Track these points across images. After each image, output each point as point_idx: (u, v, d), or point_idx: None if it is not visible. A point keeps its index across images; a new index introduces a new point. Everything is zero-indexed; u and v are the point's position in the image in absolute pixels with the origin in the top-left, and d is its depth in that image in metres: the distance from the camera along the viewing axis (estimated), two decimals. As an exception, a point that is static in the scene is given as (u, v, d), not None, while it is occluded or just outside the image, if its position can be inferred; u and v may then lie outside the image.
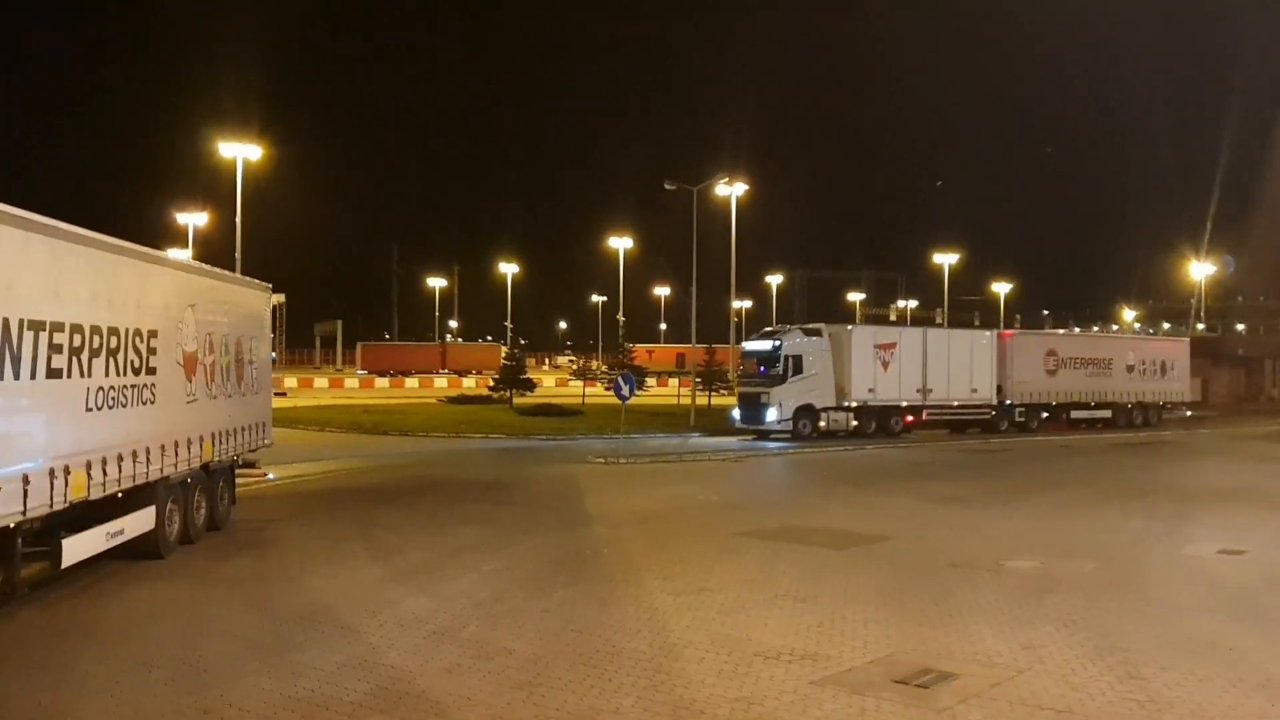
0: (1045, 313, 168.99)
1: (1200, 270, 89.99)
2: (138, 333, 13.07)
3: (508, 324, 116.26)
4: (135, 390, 13.02)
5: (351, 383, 79.05)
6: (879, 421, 36.46)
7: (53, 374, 11.05)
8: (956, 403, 38.54)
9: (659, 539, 16.61)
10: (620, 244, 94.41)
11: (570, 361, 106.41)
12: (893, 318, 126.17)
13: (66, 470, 11.25)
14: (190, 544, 15.06)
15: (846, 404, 35.74)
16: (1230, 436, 41.67)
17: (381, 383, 79.70)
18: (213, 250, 65.65)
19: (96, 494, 12.04)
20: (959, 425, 39.21)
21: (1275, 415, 55.35)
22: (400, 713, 8.26)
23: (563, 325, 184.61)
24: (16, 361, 10.38)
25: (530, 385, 50.69)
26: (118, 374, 12.59)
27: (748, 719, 8.16)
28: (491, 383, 52.02)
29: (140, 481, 13.10)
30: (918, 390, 37.35)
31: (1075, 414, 42.35)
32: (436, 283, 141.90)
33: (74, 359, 11.54)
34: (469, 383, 76.21)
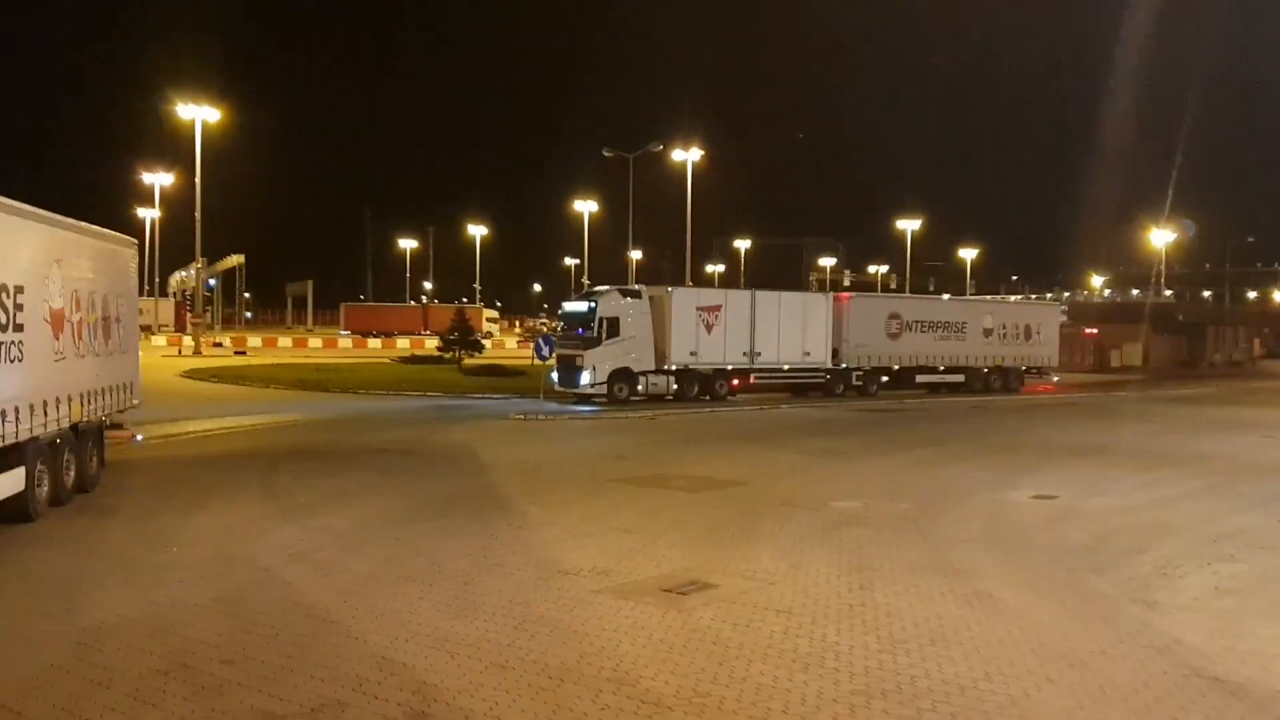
0: (1014, 278, 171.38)
1: (1161, 237, 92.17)
2: (3, 288, 12.70)
3: (476, 286, 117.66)
4: (3, 348, 12.68)
5: (315, 342, 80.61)
6: (703, 386, 35.88)
7: None
8: (788, 366, 38.17)
9: (536, 485, 18.30)
10: (585, 207, 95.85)
11: (542, 324, 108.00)
12: (846, 283, 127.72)
13: None
14: (60, 505, 14.90)
15: (667, 368, 35.22)
16: (1142, 399, 43.63)
17: (345, 343, 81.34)
18: (179, 212, 66.74)
19: None
20: (798, 389, 39.04)
21: (1206, 380, 57.60)
22: (239, 614, 9.95)
23: (537, 288, 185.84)
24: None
25: (479, 346, 52.29)
26: (38, 327, 12.97)
27: (520, 616, 9.90)
28: (440, 343, 53.45)
29: (10, 442, 12.84)
30: (744, 354, 36.93)
31: (922, 378, 42.12)
32: (408, 244, 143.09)
33: (37, 314, 11.76)
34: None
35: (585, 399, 34.50)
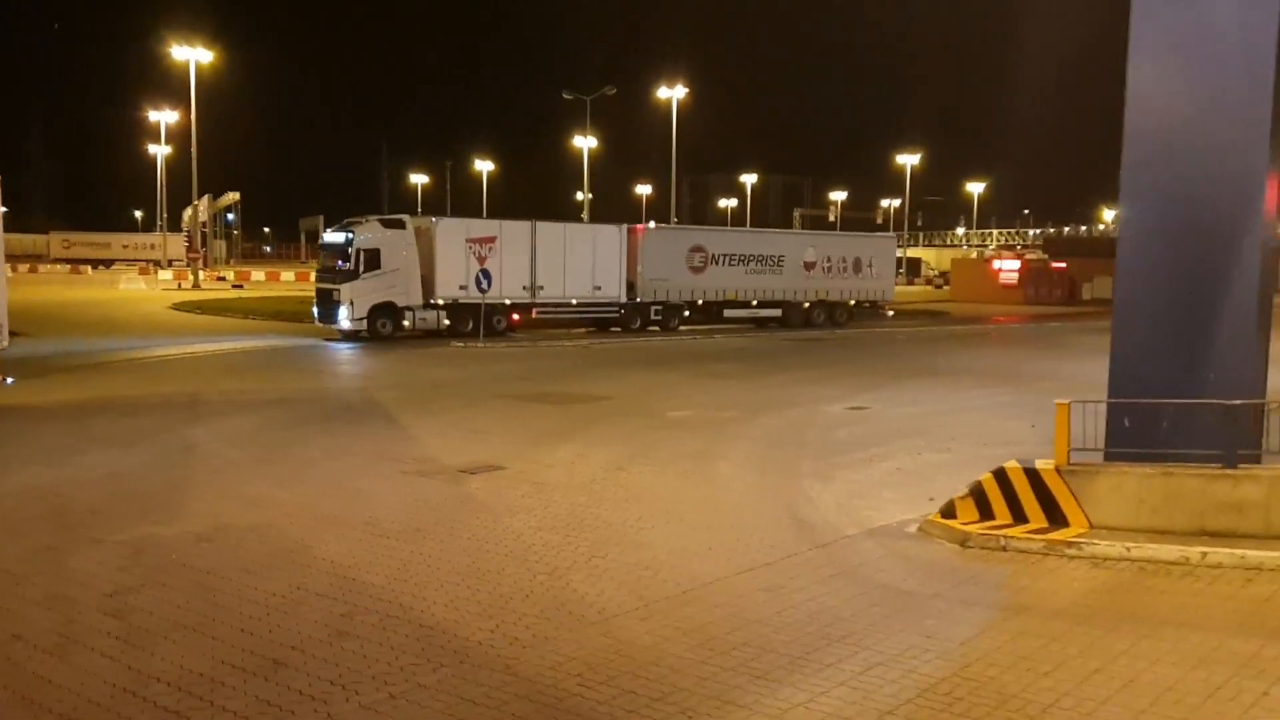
0: (1026, 211, 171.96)
1: None
2: None
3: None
4: None
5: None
6: (478, 320, 33.87)
7: None
8: (575, 300, 37.20)
9: (429, 400, 21.30)
10: (585, 143, 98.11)
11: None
12: (848, 219, 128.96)
13: None
14: None
15: (434, 302, 33.97)
16: (1077, 330, 45.76)
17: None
18: (187, 149, 69.58)
19: None
20: (598, 323, 38.45)
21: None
22: (121, 487, 13.09)
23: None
24: None
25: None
26: None
27: (331, 487, 12.98)
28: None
29: None
30: (524, 288, 35.90)
31: (732, 312, 41.09)
32: (420, 179, 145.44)
33: None
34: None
35: (351, 336, 33.25)
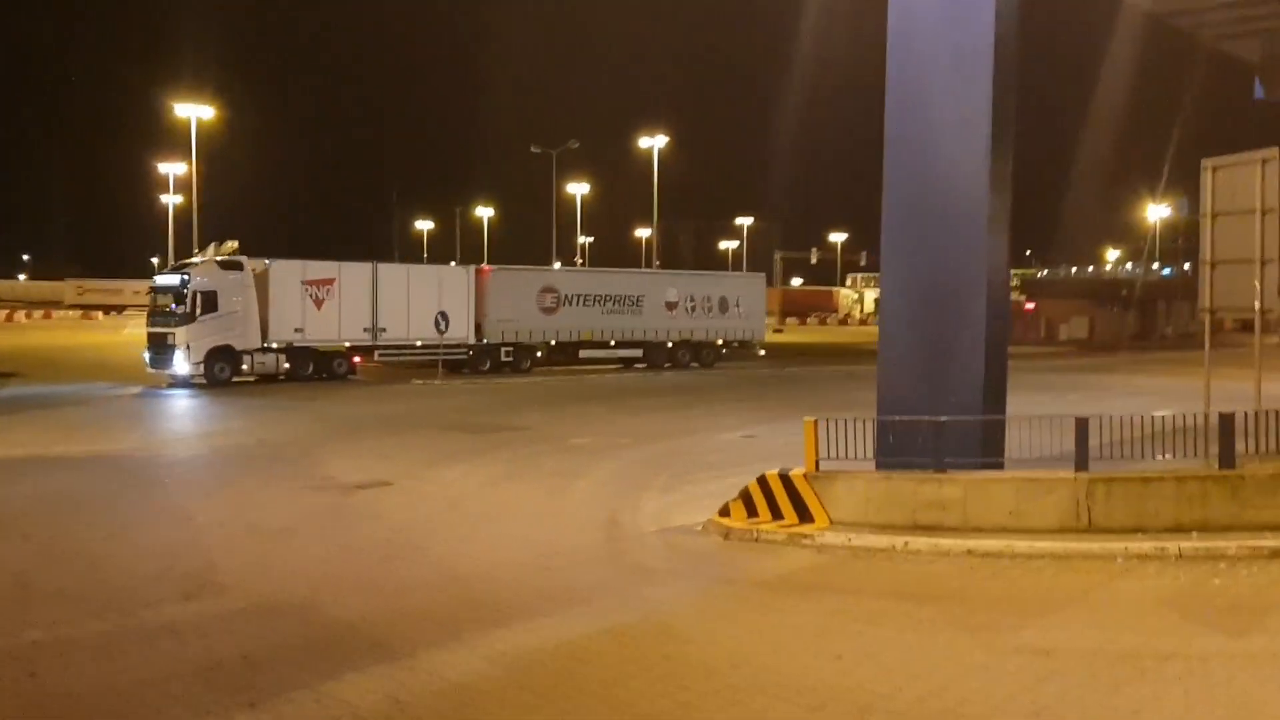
0: (1028, 253, 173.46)
1: (1156, 212, 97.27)
2: None
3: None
4: None
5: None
6: (318, 363, 33.98)
7: None
8: (420, 342, 36.43)
9: (391, 428, 23.60)
10: (578, 189, 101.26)
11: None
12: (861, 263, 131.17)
13: None
14: None
15: (268, 345, 33.09)
16: (1033, 369, 47.77)
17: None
18: (207, 199, 72.71)
19: None
20: (453, 365, 37.59)
21: (1143, 351, 59.96)
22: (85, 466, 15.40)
23: (557, 266, 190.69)
24: None
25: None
26: None
27: (236, 500, 15.25)
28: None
29: None
30: (365, 330, 35.26)
31: (588, 353, 40.79)
32: (425, 225, 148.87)
33: None
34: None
35: (182, 382, 32.07)
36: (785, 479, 12.75)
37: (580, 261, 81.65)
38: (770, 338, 48.35)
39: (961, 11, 13.29)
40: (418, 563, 11.50)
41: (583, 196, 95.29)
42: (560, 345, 40.13)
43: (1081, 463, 11.96)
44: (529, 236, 66.67)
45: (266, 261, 33.59)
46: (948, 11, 13.40)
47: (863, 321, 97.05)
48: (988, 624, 9.39)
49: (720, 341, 43.63)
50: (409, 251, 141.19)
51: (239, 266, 33.16)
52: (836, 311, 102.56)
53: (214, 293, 32.23)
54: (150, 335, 32.91)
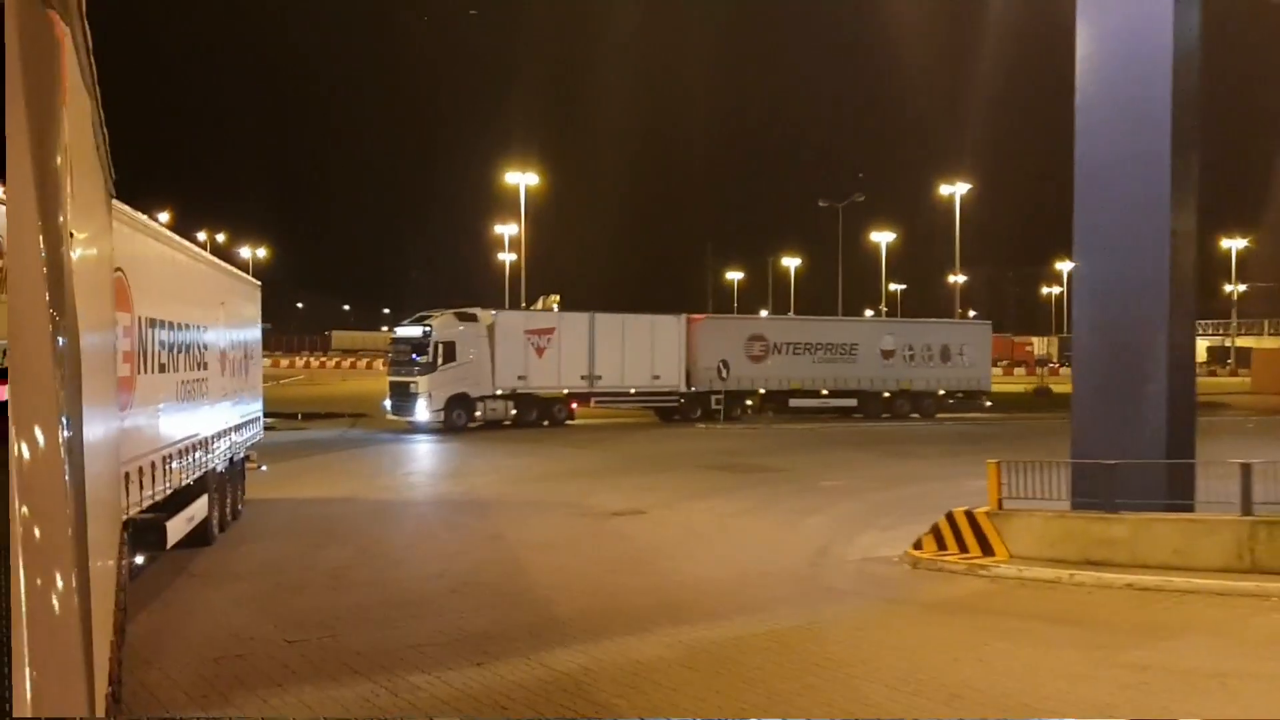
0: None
1: None
2: (198, 329, 13.95)
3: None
4: (199, 384, 13.87)
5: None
6: (541, 410, 35.89)
7: (163, 368, 11.81)
8: (634, 390, 37.74)
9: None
10: (882, 238, 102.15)
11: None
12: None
13: (169, 458, 11.86)
14: (224, 531, 16.07)
15: (499, 392, 35.07)
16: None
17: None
18: (538, 255, 79.74)
19: (185, 481, 12.76)
20: (663, 413, 38.85)
21: None
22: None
23: (868, 313, 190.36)
24: (147, 355, 10.93)
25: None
26: (192, 368, 13.54)
27: (526, 521, 18.26)
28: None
29: (203, 471, 13.86)
30: (583, 377, 36.66)
31: (798, 402, 40.54)
32: (735, 275, 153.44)
33: (177, 354, 12.50)
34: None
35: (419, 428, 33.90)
36: (970, 516, 14.16)
37: (884, 311, 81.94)
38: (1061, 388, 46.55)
39: (1140, 90, 14.37)
40: (641, 574, 13.84)
41: (888, 244, 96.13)
42: (770, 394, 40.34)
43: (1246, 506, 12.66)
44: (833, 285, 68.27)
45: (494, 313, 35.91)
46: (1125, 91, 14.53)
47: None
48: (1107, 644, 10.60)
49: (942, 391, 42.73)
50: (721, 300, 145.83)
51: (474, 318, 35.40)
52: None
53: (453, 343, 34.28)
54: (392, 384, 34.94)
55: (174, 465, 11.93)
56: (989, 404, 43.78)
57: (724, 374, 37.55)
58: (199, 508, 13.68)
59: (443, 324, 34.77)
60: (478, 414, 34.68)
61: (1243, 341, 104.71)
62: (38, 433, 3.33)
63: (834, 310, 65.44)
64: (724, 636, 10.81)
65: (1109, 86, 14.93)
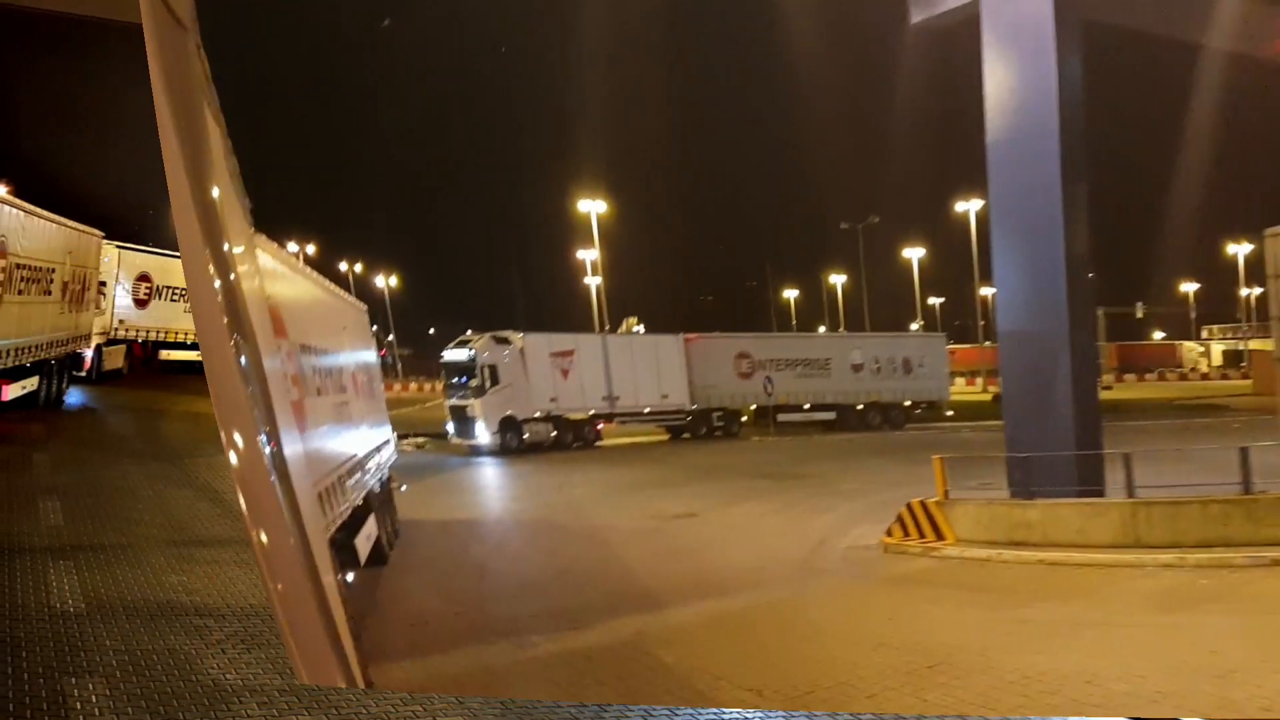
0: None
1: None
2: (333, 351, 14.24)
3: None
4: (345, 406, 14.40)
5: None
6: (575, 432, 36.25)
7: (319, 391, 12.11)
8: (648, 409, 38.39)
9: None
10: (914, 254, 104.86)
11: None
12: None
13: (343, 478, 12.28)
14: (391, 549, 17.28)
15: (537, 415, 35.45)
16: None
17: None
18: (623, 279, 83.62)
19: (357, 500, 13.37)
20: (674, 431, 39.45)
21: None
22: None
23: (914, 326, 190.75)
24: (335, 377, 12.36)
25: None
26: (338, 391, 13.94)
27: (591, 522, 23.21)
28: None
29: (365, 490, 14.45)
30: (604, 398, 37.23)
31: (784, 417, 40.98)
32: (791, 293, 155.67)
33: (325, 378, 12.79)
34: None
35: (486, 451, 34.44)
36: (924, 506, 18.76)
37: (920, 326, 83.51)
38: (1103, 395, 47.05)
39: (1034, 128, 18.58)
40: (685, 562, 18.71)
41: (922, 259, 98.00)
42: (761, 409, 40.89)
43: (1130, 490, 17.11)
44: (874, 301, 71.36)
45: (522, 335, 36.38)
46: (1023, 130, 18.80)
47: (1204, 376, 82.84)
48: (1007, 604, 15.24)
49: (908, 403, 43.67)
50: (781, 319, 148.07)
51: (508, 341, 35.89)
52: (1181, 366, 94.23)
53: (496, 366, 35.00)
54: (451, 408, 35.50)
55: (348, 484, 12.55)
56: (950, 414, 44.40)
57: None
58: (371, 526, 14.52)
59: (484, 346, 35.45)
60: (525, 436, 35.15)
61: (1255, 345, 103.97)
62: (237, 438, 3.63)
63: (861, 326, 67.77)
64: (735, 605, 15.59)
65: (1010, 128, 19.07)
